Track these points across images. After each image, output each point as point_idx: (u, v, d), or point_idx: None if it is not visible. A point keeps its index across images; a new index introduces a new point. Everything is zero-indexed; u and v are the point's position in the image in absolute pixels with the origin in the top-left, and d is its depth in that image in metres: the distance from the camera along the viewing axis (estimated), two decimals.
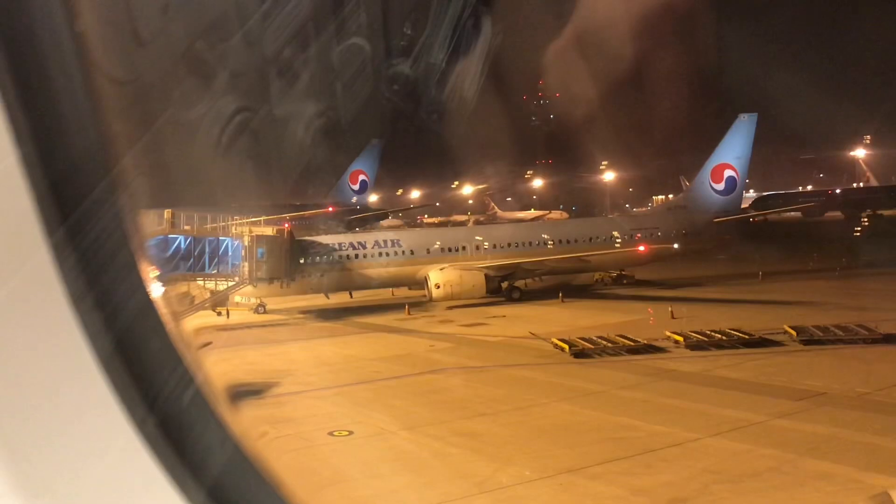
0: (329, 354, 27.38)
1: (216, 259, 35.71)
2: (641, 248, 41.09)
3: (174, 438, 2.49)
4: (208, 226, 39.86)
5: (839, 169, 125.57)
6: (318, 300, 38.94)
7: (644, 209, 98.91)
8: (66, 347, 2.37)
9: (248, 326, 34.24)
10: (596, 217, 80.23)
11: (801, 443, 15.46)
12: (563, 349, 25.25)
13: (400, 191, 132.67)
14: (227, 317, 35.86)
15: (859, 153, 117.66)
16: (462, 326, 32.51)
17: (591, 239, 42.75)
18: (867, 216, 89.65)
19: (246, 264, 35.15)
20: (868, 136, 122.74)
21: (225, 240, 36.53)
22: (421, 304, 38.26)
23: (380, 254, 39.53)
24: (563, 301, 37.70)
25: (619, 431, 16.84)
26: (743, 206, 55.30)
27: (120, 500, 2.45)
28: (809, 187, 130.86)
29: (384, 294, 41.69)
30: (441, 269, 38.75)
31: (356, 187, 71.16)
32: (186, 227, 37.59)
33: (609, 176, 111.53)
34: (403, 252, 39.96)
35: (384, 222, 79.03)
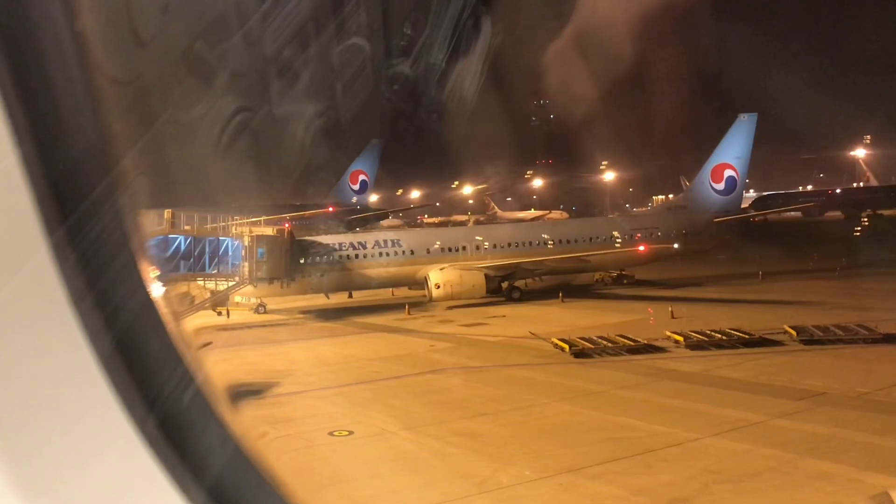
0: (329, 354, 27.39)
1: (216, 259, 35.72)
2: (641, 248, 41.10)
3: (174, 438, 2.49)
4: (208, 226, 39.88)
5: (839, 169, 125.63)
6: (319, 300, 38.96)
7: (644, 209, 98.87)
8: (66, 347, 2.37)
9: (249, 326, 34.25)
10: (596, 217, 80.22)
11: (801, 442, 15.46)
12: (563, 349, 25.25)
13: (400, 191, 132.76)
14: (228, 317, 35.89)
15: (859, 153, 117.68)
16: (462, 326, 32.51)
17: (591, 239, 42.76)
18: (867, 216, 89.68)
19: (246, 264, 35.16)
20: (868, 136, 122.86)
21: (225, 240, 36.54)
22: (421, 304, 38.26)
23: (380, 254, 39.55)
24: (563, 301, 37.70)
25: (619, 431, 16.84)
26: (743, 205, 55.33)
27: (120, 500, 2.45)
28: (809, 187, 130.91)
29: (384, 294, 41.69)
30: (441, 269, 38.75)
31: (356, 187, 71.17)
32: (186, 227, 37.60)
33: (609, 176, 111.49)
34: (403, 252, 39.97)
35: (384, 222, 79.04)
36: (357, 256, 39.15)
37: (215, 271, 35.81)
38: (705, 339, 25.30)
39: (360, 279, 39.31)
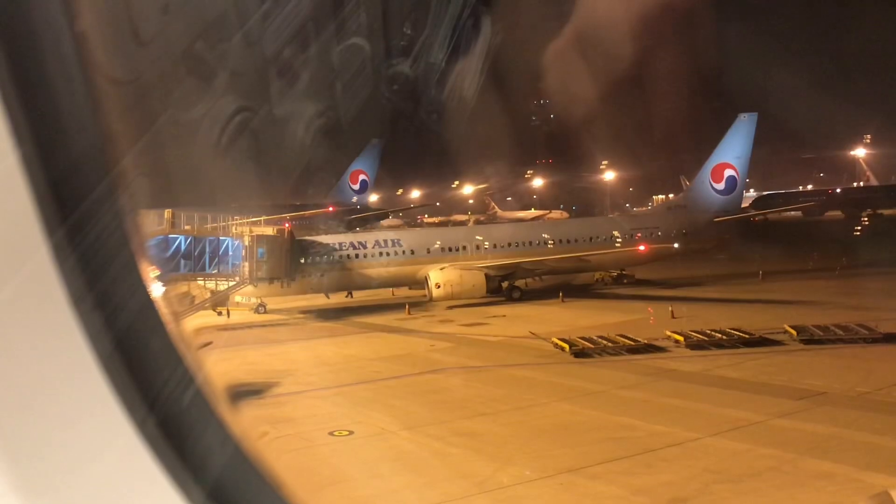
0: (329, 354, 27.40)
1: (216, 259, 35.73)
2: (642, 247, 41.12)
3: (174, 438, 2.49)
4: (208, 226, 39.88)
5: (839, 168, 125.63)
6: (319, 300, 38.97)
7: (644, 209, 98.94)
8: (66, 348, 2.37)
9: (249, 326, 34.26)
10: (596, 217, 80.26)
11: (802, 442, 15.46)
12: (563, 349, 25.25)
13: (400, 191, 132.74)
14: (228, 316, 35.90)
15: (859, 152, 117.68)
16: (462, 326, 32.52)
17: (591, 238, 42.76)
18: (867, 215, 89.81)
19: (246, 264, 35.17)
20: (868, 136, 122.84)
21: (225, 240, 36.55)
22: (421, 304, 38.27)
23: (380, 253, 39.55)
24: (563, 301, 37.70)
25: (619, 431, 16.84)
26: (743, 205, 55.33)
27: (120, 500, 2.45)
28: (810, 187, 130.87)
29: (384, 294, 41.70)
30: (441, 269, 38.76)
31: (356, 187, 71.15)
32: (187, 227, 37.61)
33: (609, 175, 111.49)
34: (404, 252, 39.97)
35: (384, 222, 79.05)
36: (357, 256, 39.16)
37: (215, 271, 35.83)
38: (705, 338, 25.30)
39: (361, 279, 39.32)
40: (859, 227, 74.73)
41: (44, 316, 2.39)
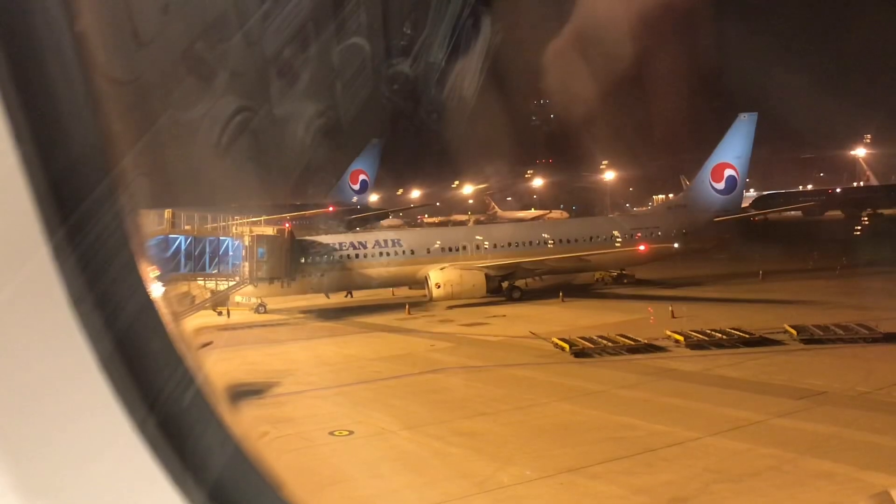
0: (329, 354, 27.40)
1: (216, 259, 35.74)
2: (642, 247, 41.12)
3: (175, 439, 2.49)
4: (208, 226, 39.89)
5: (839, 168, 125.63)
6: (319, 300, 38.97)
7: (644, 208, 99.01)
8: (67, 348, 2.37)
9: (249, 326, 34.25)
10: (596, 216, 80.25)
11: (802, 442, 15.46)
12: (563, 349, 25.25)
13: (400, 191, 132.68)
14: (228, 316, 35.90)
15: (859, 152, 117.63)
16: (462, 326, 32.52)
17: (591, 238, 42.77)
18: (867, 215, 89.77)
19: (246, 264, 35.18)
20: (868, 136, 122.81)
21: (225, 240, 36.56)
22: (421, 304, 38.27)
23: (380, 253, 39.56)
24: (563, 300, 37.70)
25: (619, 431, 16.84)
26: (743, 205, 55.32)
27: (120, 500, 2.45)
28: (810, 186, 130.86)
29: (384, 294, 41.70)
30: (441, 269, 38.77)
31: (356, 187, 71.14)
32: (187, 227, 37.63)
33: (609, 175, 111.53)
34: (404, 252, 39.98)
35: (384, 222, 79.06)
36: (357, 256, 39.17)
37: (215, 271, 35.83)
38: (706, 338, 25.30)
39: (361, 279, 39.32)
40: (859, 227, 74.72)
41: (44, 316, 2.39)
